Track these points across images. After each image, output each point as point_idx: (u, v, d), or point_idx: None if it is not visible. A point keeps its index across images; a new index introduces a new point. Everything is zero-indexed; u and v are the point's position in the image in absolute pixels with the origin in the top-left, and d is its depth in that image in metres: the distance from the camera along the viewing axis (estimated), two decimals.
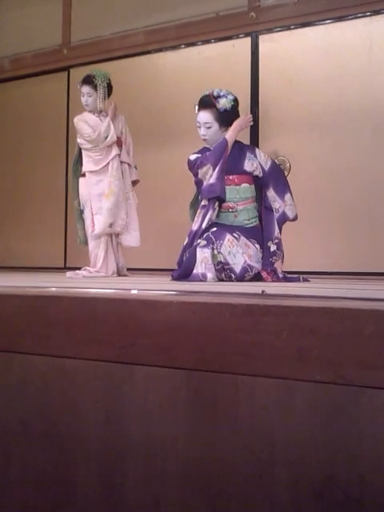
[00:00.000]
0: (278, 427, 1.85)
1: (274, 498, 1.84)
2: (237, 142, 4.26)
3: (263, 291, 2.40)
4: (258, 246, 4.10)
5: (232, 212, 4.14)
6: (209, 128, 4.15)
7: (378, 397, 1.70)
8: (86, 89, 4.80)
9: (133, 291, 2.61)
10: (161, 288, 3.05)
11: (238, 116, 4.24)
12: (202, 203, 4.13)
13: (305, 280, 4.07)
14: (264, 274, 4.06)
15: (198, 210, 4.14)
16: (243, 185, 4.16)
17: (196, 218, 4.12)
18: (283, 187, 4.23)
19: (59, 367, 2.28)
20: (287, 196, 4.21)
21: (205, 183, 4.12)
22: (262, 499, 1.85)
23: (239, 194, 4.14)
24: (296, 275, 4.15)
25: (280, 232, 4.21)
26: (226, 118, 4.18)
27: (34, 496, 2.32)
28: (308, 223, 4.98)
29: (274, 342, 1.82)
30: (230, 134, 4.17)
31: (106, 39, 6.32)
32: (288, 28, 5.40)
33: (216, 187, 4.06)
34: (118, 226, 4.79)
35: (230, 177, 4.14)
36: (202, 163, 4.13)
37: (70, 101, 6.51)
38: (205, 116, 4.16)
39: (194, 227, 4.10)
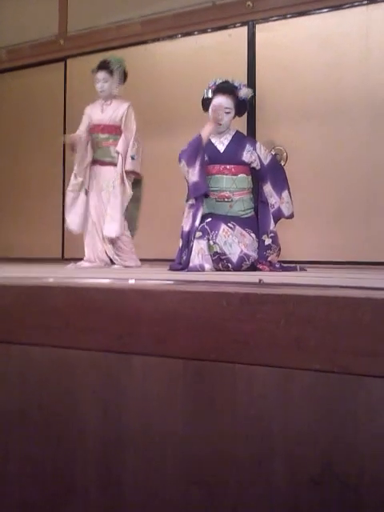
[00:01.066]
0: (276, 416, 1.85)
1: (273, 485, 1.84)
2: (238, 133, 4.28)
3: (260, 280, 2.40)
4: (253, 235, 4.10)
5: (227, 202, 4.13)
6: (228, 113, 4.16)
7: (376, 385, 1.70)
8: (101, 75, 4.81)
9: (130, 281, 2.61)
10: (158, 278, 3.05)
11: (246, 109, 4.31)
12: (190, 202, 4.11)
13: (302, 269, 4.07)
14: (260, 266, 4.06)
15: (187, 210, 4.12)
16: (240, 175, 4.16)
17: (186, 219, 4.10)
18: (282, 184, 4.22)
19: (57, 357, 2.29)
20: (285, 193, 4.22)
21: (188, 181, 4.11)
22: (260, 487, 1.86)
23: (235, 184, 4.14)
24: (293, 265, 4.16)
25: (275, 226, 4.22)
26: (242, 107, 4.25)
27: (33, 487, 2.32)
28: (305, 213, 4.98)
29: (271, 331, 1.83)
30: (206, 129, 4.14)
31: (103, 29, 6.31)
32: (284, 17, 5.39)
33: (200, 185, 4.05)
34: (72, 224, 4.90)
35: (228, 166, 4.14)
36: (179, 158, 4.13)
37: (67, 91, 6.52)
38: (227, 101, 4.16)
39: (186, 228, 4.08)
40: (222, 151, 4.17)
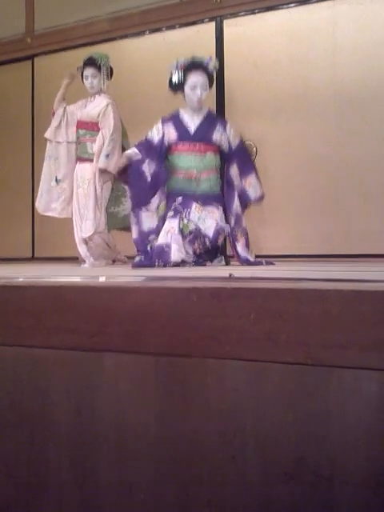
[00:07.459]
0: (249, 410, 1.85)
1: (247, 480, 1.84)
2: (210, 112, 4.35)
3: (231, 275, 2.40)
4: (220, 207, 4.15)
5: (195, 180, 4.14)
6: (205, 90, 4.19)
7: (347, 376, 1.71)
8: (89, 71, 4.83)
9: (100, 279, 2.61)
10: (128, 274, 3.05)
11: (213, 81, 4.33)
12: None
13: (269, 263, 4.07)
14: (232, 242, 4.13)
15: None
16: (208, 154, 4.17)
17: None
18: (248, 168, 4.26)
19: (29, 357, 2.27)
20: (251, 177, 4.26)
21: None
22: (234, 482, 1.86)
23: (203, 163, 4.16)
24: (260, 259, 4.14)
25: (243, 211, 4.25)
26: (211, 81, 4.28)
27: (6, 487, 2.31)
28: (275, 207, 5.01)
29: (242, 325, 1.82)
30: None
31: (70, 27, 6.28)
32: (252, 12, 5.40)
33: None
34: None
35: (196, 145, 4.15)
36: None
37: (35, 89, 6.47)
38: (203, 77, 4.18)
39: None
40: (192, 130, 4.20)
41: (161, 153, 4.18)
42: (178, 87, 4.22)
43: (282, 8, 5.29)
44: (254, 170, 4.28)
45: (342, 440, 1.71)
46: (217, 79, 5.21)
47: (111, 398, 2.10)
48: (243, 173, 4.24)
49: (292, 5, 5.24)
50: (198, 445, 1.92)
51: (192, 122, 4.22)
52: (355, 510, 1.69)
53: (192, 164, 4.16)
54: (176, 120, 4.24)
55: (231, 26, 5.49)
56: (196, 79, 4.15)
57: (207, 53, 5.37)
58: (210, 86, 4.27)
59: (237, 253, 4.11)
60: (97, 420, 2.12)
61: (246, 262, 4.07)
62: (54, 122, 5.00)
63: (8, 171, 6.66)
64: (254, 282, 2.22)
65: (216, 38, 5.49)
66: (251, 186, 4.24)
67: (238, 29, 5.46)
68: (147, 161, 4.16)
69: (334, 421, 1.72)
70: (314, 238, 5.04)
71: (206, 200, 4.12)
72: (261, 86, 5.31)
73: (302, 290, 1.77)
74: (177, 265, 3.86)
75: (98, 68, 4.80)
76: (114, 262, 4.95)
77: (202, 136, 4.19)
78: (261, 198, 4.32)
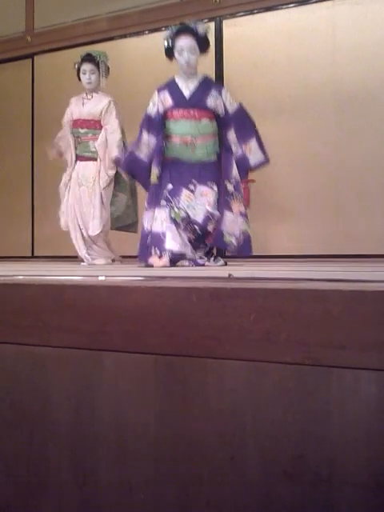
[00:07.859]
0: (248, 410, 1.85)
1: (246, 480, 1.84)
2: (206, 79, 4.28)
3: (230, 275, 2.40)
4: (215, 187, 4.09)
5: (190, 146, 4.13)
6: (193, 54, 4.13)
7: (347, 377, 1.71)
8: (88, 66, 4.82)
9: (100, 278, 2.60)
10: (128, 274, 3.04)
11: (209, 44, 4.26)
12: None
13: (242, 252, 4.10)
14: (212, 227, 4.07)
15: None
16: (203, 120, 4.12)
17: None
18: (248, 132, 4.18)
19: (29, 355, 2.27)
20: (252, 142, 4.17)
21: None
22: (233, 481, 1.86)
23: (198, 129, 4.10)
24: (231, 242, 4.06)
25: (244, 176, 4.23)
26: (205, 44, 4.20)
27: (6, 486, 2.31)
28: (275, 207, 5.01)
29: (242, 325, 1.82)
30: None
31: (70, 26, 6.29)
32: (251, 12, 5.41)
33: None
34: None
35: (191, 111, 4.12)
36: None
37: (35, 88, 6.48)
38: (190, 41, 4.12)
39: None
40: (187, 96, 4.15)
41: (160, 123, 4.17)
42: (170, 53, 4.20)
43: (281, 8, 5.30)
44: (254, 135, 4.18)
45: (341, 440, 1.71)
46: (216, 79, 5.23)
47: (111, 397, 2.10)
48: (242, 138, 4.16)
49: (291, 5, 5.25)
50: (198, 445, 1.92)
51: (187, 88, 4.16)
52: (355, 510, 1.69)
53: (188, 130, 4.11)
54: (171, 87, 4.21)
55: (230, 27, 5.50)
56: (183, 43, 4.11)
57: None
58: (203, 50, 4.19)
59: (216, 232, 4.04)
60: (97, 420, 2.12)
61: (220, 244, 4.08)
62: (71, 145, 4.94)
63: (8, 171, 6.67)
64: (254, 282, 2.22)
65: (215, 38, 5.49)
66: (252, 151, 4.16)
67: (237, 29, 5.47)
68: (147, 137, 4.19)
69: (333, 421, 1.73)
70: (314, 237, 5.05)
71: (201, 173, 4.09)
72: (260, 86, 5.31)
73: (301, 290, 1.77)
74: (176, 260, 3.87)
75: (97, 65, 4.80)
76: (113, 261, 4.95)
77: (197, 102, 4.13)
78: (263, 164, 4.23)
